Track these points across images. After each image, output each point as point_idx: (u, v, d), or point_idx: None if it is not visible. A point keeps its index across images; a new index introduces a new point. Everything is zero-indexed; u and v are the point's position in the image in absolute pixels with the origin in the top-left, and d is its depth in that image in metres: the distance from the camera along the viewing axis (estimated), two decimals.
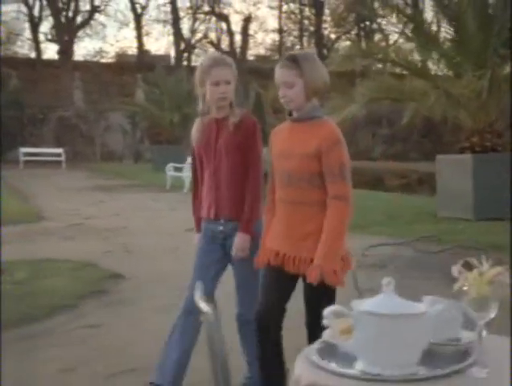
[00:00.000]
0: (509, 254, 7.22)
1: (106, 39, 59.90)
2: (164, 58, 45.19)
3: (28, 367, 4.64)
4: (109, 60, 44.14)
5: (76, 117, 35.37)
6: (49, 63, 40.16)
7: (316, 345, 2.17)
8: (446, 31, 12.02)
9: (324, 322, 2.05)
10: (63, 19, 39.82)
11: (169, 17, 44.36)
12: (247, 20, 43.48)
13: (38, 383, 4.36)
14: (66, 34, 39.01)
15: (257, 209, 3.64)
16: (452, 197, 11.98)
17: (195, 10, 44.70)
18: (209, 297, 3.53)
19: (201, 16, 45.10)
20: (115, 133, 35.90)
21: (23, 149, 31.51)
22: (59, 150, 32.07)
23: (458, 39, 11.51)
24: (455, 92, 10.93)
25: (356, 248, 9.06)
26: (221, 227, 3.70)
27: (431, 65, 11.93)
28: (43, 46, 42.36)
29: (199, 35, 45.09)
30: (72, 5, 40.45)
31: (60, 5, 39.97)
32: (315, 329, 3.00)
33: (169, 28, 44.98)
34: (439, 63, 11.98)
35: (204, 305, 2.37)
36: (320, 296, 3.11)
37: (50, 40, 40.76)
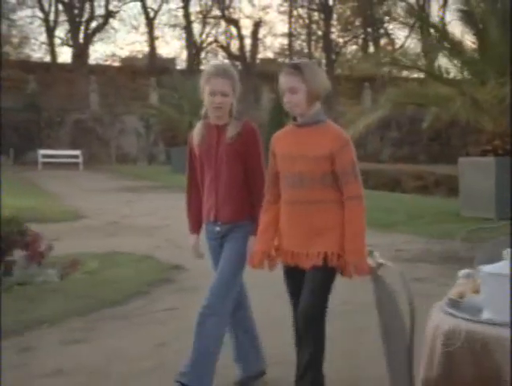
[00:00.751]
0: None
1: (116, 43, 60.40)
2: (174, 61, 45.87)
3: (126, 342, 5.24)
4: (120, 64, 44.73)
5: (91, 120, 35.98)
6: (63, 66, 40.86)
7: (444, 301, 2.77)
8: (470, 40, 12.64)
9: (459, 281, 2.66)
10: (78, 24, 40.52)
11: (178, 21, 45.13)
12: (257, 25, 44.12)
13: (139, 354, 4.95)
14: (82, 38, 39.67)
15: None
16: (475, 197, 12.58)
17: (205, 14, 45.39)
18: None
19: (211, 20, 45.76)
20: (129, 136, 36.52)
21: (42, 151, 32.16)
22: (77, 152, 32.72)
23: (481, 47, 12.12)
24: (480, 98, 11.54)
25: (387, 244, 9.80)
26: (218, 228, 3.89)
27: (455, 72, 12.52)
28: (56, 50, 42.81)
29: (209, 39, 45.78)
30: (87, 10, 41.21)
31: (76, 11, 40.69)
32: (313, 311, 3.39)
33: (179, 32, 45.71)
34: (462, 70, 12.56)
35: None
36: (322, 284, 3.42)
37: (66, 44, 41.44)
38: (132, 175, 27.04)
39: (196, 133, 3.89)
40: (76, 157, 32.62)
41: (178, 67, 43.48)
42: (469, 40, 12.17)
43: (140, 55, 46.16)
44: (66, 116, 35.68)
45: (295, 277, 3.50)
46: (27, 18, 43.15)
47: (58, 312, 6.00)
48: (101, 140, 36.16)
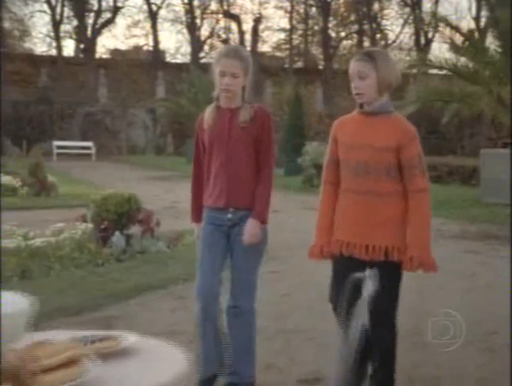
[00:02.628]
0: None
1: (117, 37, 61.45)
2: (175, 56, 47.04)
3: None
4: (122, 58, 45.63)
5: (101, 113, 37.05)
6: (69, 60, 41.80)
7: None
8: (494, 43, 14.08)
9: None
10: (87, 19, 41.55)
11: (178, 15, 46.15)
12: (257, 20, 45.31)
13: (272, 301, 6.03)
14: (90, 32, 40.70)
15: (269, 198, 3.68)
16: (495, 186, 14.02)
17: (203, 9, 46.46)
18: (214, 294, 3.64)
19: (212, 15, 46.88)
20: (137, 128, 37.66)
21: (56, 143, 33.18)
22: (90, 144, 33.82)
23: (504, 50, 13.54)
24: (504, 96, 12.97)
25: None
26: (230, 215, 3.67)
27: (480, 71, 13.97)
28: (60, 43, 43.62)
29: (206, 34, 46.86)
30: (95, 4, 42.28)
31: (87, 6, 41.72)
32: (384, 309, 3.31)
33: (179, 26, 46.72)
34: (485, 70, 13.98)
35: None
36: (390, 280, 3.32)
37: (74, 39, 42.42)
38: (148, 166, 28.04)
39: (208, 116, 3.70)
40: (88, 148, 33.70)
41: (178, 61, 44.65)
42: (494, 44, 13.55)
43: (142, 49, 46.93)
44: (76, 108, 36.73)
45: (348, 267, 3.36)
46: (32, 12, 43.89)
47: (182, 273, 7.07)
48: (110, 132, 37.24)
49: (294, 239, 9.08)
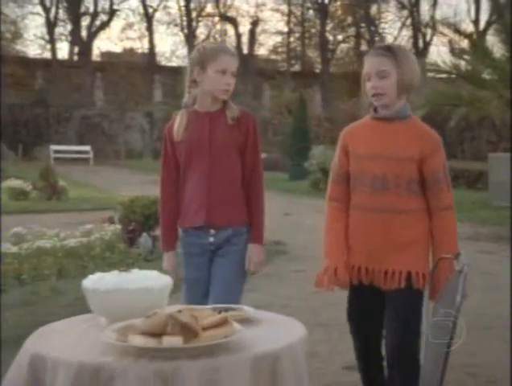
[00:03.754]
0: None
1: (111, 39, 61.37)
2: (170, 58, 47.03)
3: (285, 289, 6.31)
4: (117, 60, 45.56)
5: (98, 116, 36.94)
6: (63, 62, 41.67)
7: None
8: (496, 45, 14.12)
9: None
10: (82, 22, 41.49)
11: (173, 18, 46.15)
12: (254, 23, 45.36)
13: (303, 298, 6.19)
14: (86, 35, 40.63)
15: (264, 215, 3.22)
16: (503, 189, 14.05)
17: (199, 11, 46.46)
18: None
19: (208, 18, 46.94)
20: (134, 132, 37.57)
21: (53, 147, 33.02)
22: (87, 148, 33.66)
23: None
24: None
25: None
26: (212, 239, 3.13)
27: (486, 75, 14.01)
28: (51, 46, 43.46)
29: (202, 37, 46.84)
30: (90, 7, 42.22)
31: (83, 9, 41.67)
32: (405, 344, 2.86)
33: (175, 29, 46.70)
34: (493, 74, 14.01)
35: None
36: (412, 311, 2.88)
37: (69, 42, 42.30)
38: (147, 170, 27.78)
39: (178, 126, 3.16)
40: (86, 152, 33.55)
41: (173, 64, 44.60)
42: (501, 48, 13.58)
43: (137, 52, 46.89)
44: (73, 112, 36.62)
45: (365, 297, 2.95)
46: (25, 14, 43.76)
47: None
48: (107, 136, 37.13)
49: (312, 239, 9.15)
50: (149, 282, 2.13)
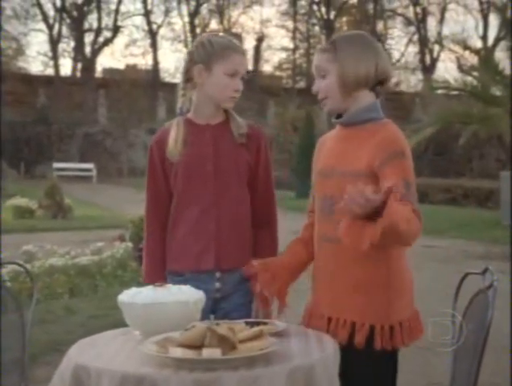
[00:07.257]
0: None
1: (114, 56, 61.53)
2: (174, 75, 46.94)
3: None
4: (120, 77, 45.58)
5: (100, 134, 36.83)
6: (66, 79, 41.59)
7: None
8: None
9: None
10: (86, 38, 41.56)
11: (177, 34, 46.20)
12: (260, 40, 45.42)
13: None
14: (90, 52, 40.66)
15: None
16: None
17: (203, 27, 46.52)
18: None
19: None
20: (137, 150, 37.43)
21: (56, 164, 32.85)
22: (90, 166, 33.47)
23: None
24: None
25: (450, 245, 11.56)
26: (218, 284, 2.52)
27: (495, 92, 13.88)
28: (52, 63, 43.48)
29: None
30: (94, 24, 42.31)
31: (86, 26, 41.75)
32: None
33: (179, 46, 46.72)
34: (503, 91, 13.85)
35: None
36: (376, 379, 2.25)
37: (73, 58, 42.32)
38: None
39: (175, 139, 2.50)
40: (89, 170, 33.37)
41: (177, 81, 44.42)
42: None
43: (141, 68, 46.90)
44: (75, 129, 36.51)
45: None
46: (27, 30, 43.79)
47: None
48: (110, 153, 36.99)
49: None
50: (184, 296, 2.18)
